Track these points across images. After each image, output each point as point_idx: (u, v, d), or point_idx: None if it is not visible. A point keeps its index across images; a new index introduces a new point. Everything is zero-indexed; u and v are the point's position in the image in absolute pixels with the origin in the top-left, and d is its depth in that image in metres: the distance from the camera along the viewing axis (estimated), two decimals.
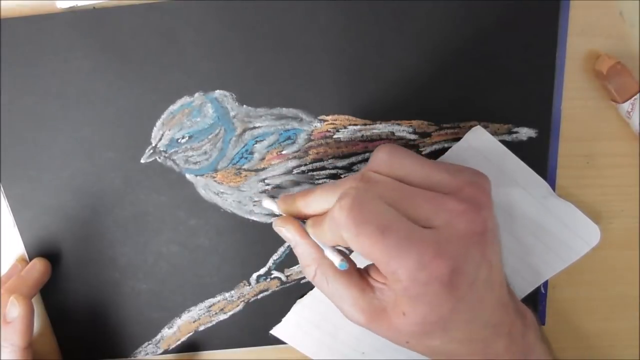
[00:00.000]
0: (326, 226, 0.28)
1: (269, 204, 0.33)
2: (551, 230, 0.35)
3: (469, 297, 0.27)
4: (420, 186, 0.28)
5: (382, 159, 0.29)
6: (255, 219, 0.36)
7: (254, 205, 0.36)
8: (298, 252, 0.31)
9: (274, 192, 0.36)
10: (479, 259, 0.27)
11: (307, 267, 0.30)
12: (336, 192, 0.28)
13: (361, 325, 0.29)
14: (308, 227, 0.30)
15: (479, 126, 0.34)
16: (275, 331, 0.38)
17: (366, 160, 0.35)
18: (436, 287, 0.26)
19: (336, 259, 0.28)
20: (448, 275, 0.26)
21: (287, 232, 0.30)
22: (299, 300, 0.38)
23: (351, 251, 0.33)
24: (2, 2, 0.33)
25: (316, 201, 0.29)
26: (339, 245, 0.29)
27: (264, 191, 0.35)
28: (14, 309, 0.34)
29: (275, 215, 0.34)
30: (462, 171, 0.29)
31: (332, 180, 0.29)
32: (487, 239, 0.27)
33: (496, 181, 0.33)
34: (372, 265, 0.30)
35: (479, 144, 0.34)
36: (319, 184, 0.36)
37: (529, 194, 0.35)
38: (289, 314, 0.38)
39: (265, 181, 0.36)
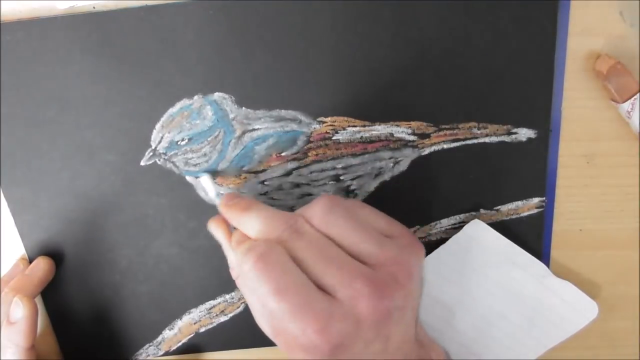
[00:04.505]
0: (237, 258, 0.28)
1: (206, 183, 0.33)
2: (551, 306, 0.37)
3: None
4: (348, 250, 0.28)
5: (317, 213, 0.28)
6: None
7: None
8: (225, 253, 0.31)
9: (216, 171, 0.35)
10: (372, 337, 0.27)
11: (231, 268, 0.31)
12: (266, 229, 0.28)
13: (267, 335, 0.29)
14: (233, 241, 0.30)
15: (476, 219, 0.36)
16: None
17: (365, 163, 0.35)
18: (316, 354, 0.26)
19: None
20: (328, 350, 0.26)
21: (217, 234, 0.31)
22: None
23: None
24: (2, 1, 0.33)
25: (248, 225, 0.29)
26: None
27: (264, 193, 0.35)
28: (18, 310, 0.34)
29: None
30: (396, 239, 0.29)
31: (270, 210, 0.30)
32: (386, 321, 0.27)
33: (496, 263, 0.37)
34: None
35: (477, 234, 0.36)
36: (319, 186, 0.36)
37: (529, 274, 0.37)
38: None
39: (265, 183, 0.36)
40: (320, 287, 0.27)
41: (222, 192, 0.35)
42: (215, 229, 0.32)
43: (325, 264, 0.27)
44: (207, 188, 0.33)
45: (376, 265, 0.28)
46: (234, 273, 0.31)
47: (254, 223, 0.29)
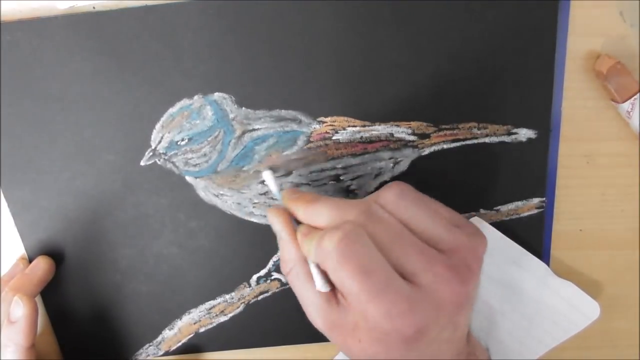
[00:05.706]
0: (313, 245, 0.28)
1: (268, 178, 0.32)
2: (553, 306, 0.37)
3: (424, 352, 0.27)
4: (420, 235, 0.28)
5: (390, 198, 0.29)
6: (255, 220, 0.37)
7: (254, 207, 0.36)
8: (281, 245, 0.31)
9: (275, 165, 0.35)
10: (446, 322, 0.27)
11: (284, 262, 0.31)
12: (338, 215, 0.28)
13: (320, 330, 0.30)
14: (299, 233, 0.30)
15: (477, 217, 0.36)
16: None
17: (365, 163, 0.35)
18: (396, 339, 0.26)
19: (319, 281, 0.29)
20: (411, 334, 0.26)
21: (277, 224, 0.31)
22: None
23: None
24: (2, 2, 0.33)
25: (317, 215, 0.29)
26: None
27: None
28: (18, 309, 0.34)
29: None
30: (463, 228, 0.29)
31: (337, 199, 0.29)
32: (462, 307, 0.28)
33: (497, 263, 0.37)
34: None
35: None
36: (319, 186, 0.36)
37: (530, 274, 0.37)
38: None
39: (265, 183, 0.36)
40: (399, 272, 0.27)
41: (282, 187, 0.35)
42: (275, 219, 0.31)
43: (404, 249, 0.27)
44: (270, 183, 0.32)
45: (448, 252, 0.28)
46: (286, 267, 0.31)
47: (323, 212, 0.29)
